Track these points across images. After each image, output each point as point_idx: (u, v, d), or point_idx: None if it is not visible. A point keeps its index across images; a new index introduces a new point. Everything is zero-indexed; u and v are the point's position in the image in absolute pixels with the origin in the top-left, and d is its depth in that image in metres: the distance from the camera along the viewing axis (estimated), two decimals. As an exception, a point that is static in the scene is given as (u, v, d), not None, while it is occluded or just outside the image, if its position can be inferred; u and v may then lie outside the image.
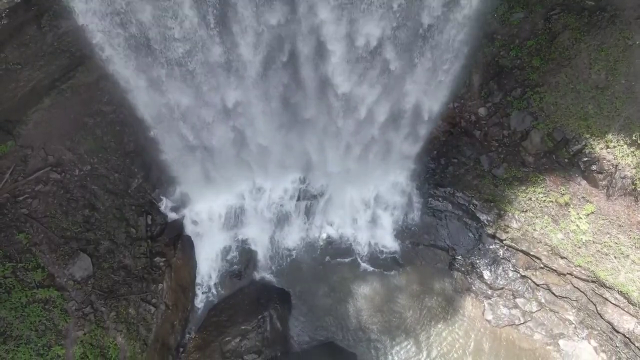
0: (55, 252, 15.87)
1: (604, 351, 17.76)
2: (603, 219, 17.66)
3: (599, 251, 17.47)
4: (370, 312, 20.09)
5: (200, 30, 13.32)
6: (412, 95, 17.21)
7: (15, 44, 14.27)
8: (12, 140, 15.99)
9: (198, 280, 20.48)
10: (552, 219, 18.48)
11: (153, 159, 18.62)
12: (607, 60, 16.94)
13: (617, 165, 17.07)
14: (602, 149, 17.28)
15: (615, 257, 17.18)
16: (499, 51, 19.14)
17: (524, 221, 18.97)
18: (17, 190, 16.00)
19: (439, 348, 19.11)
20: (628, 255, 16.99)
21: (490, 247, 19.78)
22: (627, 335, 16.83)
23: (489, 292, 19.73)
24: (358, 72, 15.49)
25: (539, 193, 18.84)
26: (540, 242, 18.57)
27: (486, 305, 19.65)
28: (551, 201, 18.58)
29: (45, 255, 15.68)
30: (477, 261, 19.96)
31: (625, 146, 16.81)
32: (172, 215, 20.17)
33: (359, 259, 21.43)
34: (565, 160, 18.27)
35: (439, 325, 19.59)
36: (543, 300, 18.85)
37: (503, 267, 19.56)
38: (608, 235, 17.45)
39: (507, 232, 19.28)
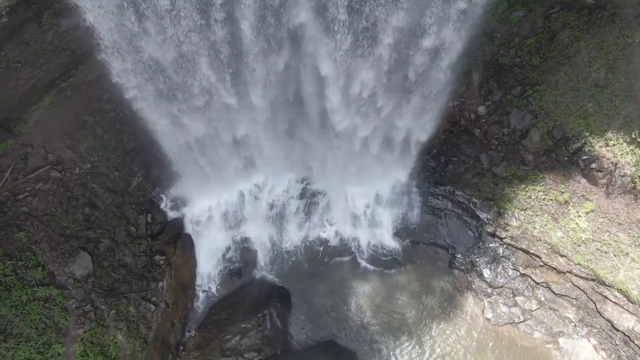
0: (55, 250, 15.89)
1: (603, 349, 17.78)
2: (602, 217, 17.67)
3: (598, 249, 17.48)
4: (370, 311, 20.11)
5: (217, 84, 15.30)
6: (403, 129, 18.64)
7: (16, 42, 14.31)
8: (12, 138, 16.01)
9: (198, 278, 20.52)
10: (552, 217, 18.49)
11: (153, 158, 18.67)
12: (607, 59, 16.92)
13: (616, 164, 17.07)
14: (601, 147, 17.28)
15: (614, 255, 17.19)
16: (499, 49, 19.14)
17: (524, 219, 18.98)
18: (17, 188, 16.01)
19: (439, 347, 19.13)
20: (627, 253, 17.00)
21: (490, 245, 19.79)
22: (627, 333, 16.85)
23: (489, 290, 19.75)
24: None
25: (538, 191, 18.84)
26: (540, 240, 18.58)
27: (486, 304, 19.67)
28: (551, 199, 18.59)
29: (45, 253, 15.70)
30: (477, 259, 19.98)
31: (624, 144, 16.81)
32: (172, 214, 20.21)
33: (359, 258, 21.45)
34: (565, 158, 18.28)
35: (439, 324, 19.62)
36: (543, 299, 18.86)
37: (503, 266, 19.58)
38: (607, 233, 17.46)
39: (507, 231, 19.29)
